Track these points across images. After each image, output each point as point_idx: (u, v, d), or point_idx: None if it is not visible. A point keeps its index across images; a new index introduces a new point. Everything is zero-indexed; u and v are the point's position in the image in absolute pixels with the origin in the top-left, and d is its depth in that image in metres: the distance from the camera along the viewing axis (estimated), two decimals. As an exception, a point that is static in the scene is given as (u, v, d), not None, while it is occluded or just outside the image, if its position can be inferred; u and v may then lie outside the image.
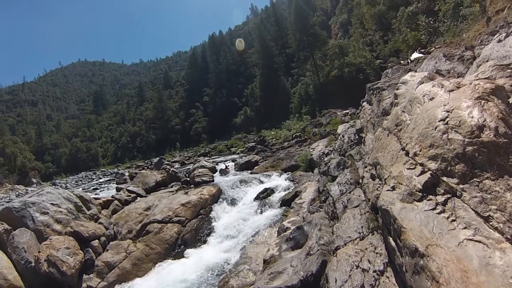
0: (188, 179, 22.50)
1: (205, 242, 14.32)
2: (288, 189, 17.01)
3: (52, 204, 14.39)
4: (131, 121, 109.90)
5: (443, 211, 4.02)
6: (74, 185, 48.38)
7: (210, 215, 16.08)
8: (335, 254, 6.28)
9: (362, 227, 6.39)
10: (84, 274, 12.48)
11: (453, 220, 3.82)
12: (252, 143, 37.93)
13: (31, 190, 44.72)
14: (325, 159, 14.95)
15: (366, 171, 7.36)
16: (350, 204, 7.74)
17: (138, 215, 15.88)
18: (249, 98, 78.66)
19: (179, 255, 13.53)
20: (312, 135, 28.74)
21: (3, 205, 19.48)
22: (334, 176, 11.12)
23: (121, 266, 12.90)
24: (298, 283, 6.26)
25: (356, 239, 6.20)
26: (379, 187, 6.00)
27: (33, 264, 11.90)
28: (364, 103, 11.86)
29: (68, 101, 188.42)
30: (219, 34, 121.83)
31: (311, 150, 20.00)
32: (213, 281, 11.13)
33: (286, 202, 15.08)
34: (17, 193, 46.42)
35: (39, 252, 12.25)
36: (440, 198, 4.18)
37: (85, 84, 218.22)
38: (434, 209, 4.13)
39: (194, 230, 15.02)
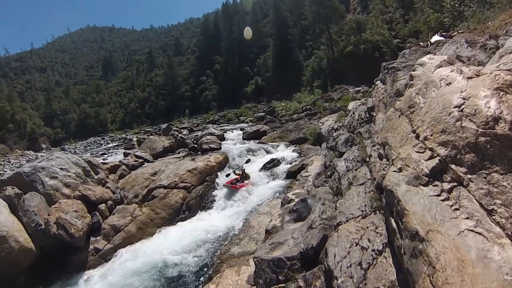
0: (196, 145, 22.66)
1: (209, 208, 14.67)
2: (295, 161, 17.04)
3: (61, 168, 14.66)
4: (141, 87, 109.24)
5: (447, 199, 3.95)
6: (83, 150, 49.09)
7: (216, 182, 16.31)
8: (336, 230, 6.33)
9: (365, 205, 6.39)
10: (91, 237, 12.94)
11: (456, 209, 3.75)
12: (262, 113, 37.84)
13: (40, 156, 45.60)
14: (334, 135, 14.84)
15: (374, 150, 7.29)
16: (355, 181, 7.71)
17: (144, 180, 16.14)
18: (261, 68, 77.14)
19: (183, 221, 13.87)
20: (322, 110, 28.46)
21: (13, 170, 19.85)
22: (341, 152, 11.07)
23: (126, 229, 13.31)
24: (298, 255, 6.36)
25: (358, 216, 6.23)
26: (385, 167, 5.94)
27: (43, 227, 12.27)
28: (378, 82, 11.61)
29: (77, 67, 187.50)
30: (233, 2, 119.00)
31: (320, 124, 19.84)
32: (215, 247, 11.42)
33: (292, 174, 15.14)
34: (27, 158, 47.54)
35: (48, 215, 12.65)
36: (446, 185, 4.09)
37: (94, 50, 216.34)
38: (439, 195, 4.06)
39: (199, 196, 15.31)
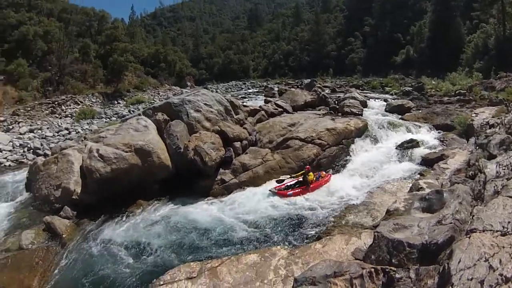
0: (337, 106, 22.38)
1: (338, 171, 14.80)
2: (435, 148, 15.72)
3: (205, 104, 16.30)
4: (286, 40, 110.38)
5: None
6: (224, 92, 53.60)
7: (351, 147, 16.23)
8: (468, 236, 5.79)
9: (509, 222, 5.71)
10: (221, 169, 14.46)
11: None
12: (409, 88, 34.76)
13: (185, 91, 52.12)
14: (487, 131, 13.03)
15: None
16: (505, 191, 6.80)
17: (281, 129, 16.91)
18: (414, 37, 68.86)
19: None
20: (478, 98, 24.76)
21: (162, 100, 22.45)
22: (492, 154, 9.77)
23: (255, 170, 14.45)
24: (419, 245, 6.05)
25: (497, 231, 5.54)
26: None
27: (181, 150, 14.21)
28: None
29: (224, 17, 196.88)
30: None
31: (473, 115, 17.53)
32: (332, 210, 11.63)
33: (428, 162, 14.13)
34: (174, 92, 54.20)
35: (188, 141, 14.47)
36: None
37: (240, 2, 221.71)
38: None
39: (331, 157, 15.52)
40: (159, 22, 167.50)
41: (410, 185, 11.39)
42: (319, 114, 19.82)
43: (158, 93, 51.84)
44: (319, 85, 35.56)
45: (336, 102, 24.32)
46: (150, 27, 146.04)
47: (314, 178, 13.38)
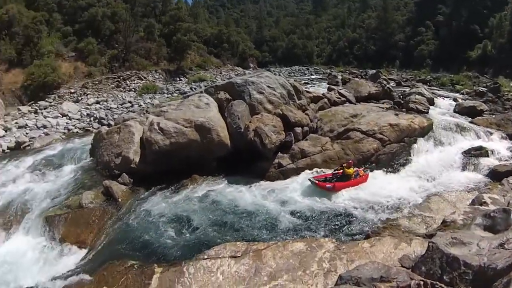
0: (402, 101, 21.12)
1: (396, 170, 14.01)
2: (506, 160, 14.33)
3: (268, 86, 16.11)
4: (351, 27, 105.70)
5: None
6: (287, 76, 53.13)
7: (412, 147, 15.27)
8: None
9: None
10: (279, 152, 14.35)
11: None
12: (483, 88, 31.75)
13: (248, 72, 53.41)
14: None
15: None
16: None
17: (343, 119, 16.43)
18: (493, 30, 61.11)
19: (366, 170, 13.61)
20: None
21: (224, 80, 22.64)
22: None
23: (313, 158, 14.21)
24: (476, 267, 5.48)
25: None
26: None
27: (242, 130, 14.29)
28: None
29: (288, 0, 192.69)
30: None
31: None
32: (384, 210, 11.13)
33: (496, 174, 12.89)
34: (236, 73, 55.26)
35: (249, 122, 14.52)
36: None
37: None
38: None
39: (391, 154, 14.78)
40: (222, 3, 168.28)
41: (472, 197, 10.46)
42: (383, 108, 18.94)
43: (220, 73, 53.03)
44: (384, 76, 33.84)
45: (401, 96, 22.93)
46: (213, 8, 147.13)
47: (354, 175, 12.70)
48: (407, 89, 26.33)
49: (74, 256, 10.53)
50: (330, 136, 15.46)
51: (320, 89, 26.88)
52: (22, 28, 34.32)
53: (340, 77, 34.20)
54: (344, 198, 11.95)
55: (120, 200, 12.75)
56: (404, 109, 19.57)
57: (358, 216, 10.86)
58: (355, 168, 12.91)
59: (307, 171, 13.72)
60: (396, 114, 17.08)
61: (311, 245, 7.87)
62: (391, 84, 30.52)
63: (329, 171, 13.37)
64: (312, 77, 52.74)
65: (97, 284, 8.21)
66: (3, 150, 21.15)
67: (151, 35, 47.04)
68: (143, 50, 45.05)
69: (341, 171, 12.80)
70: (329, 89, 22.18)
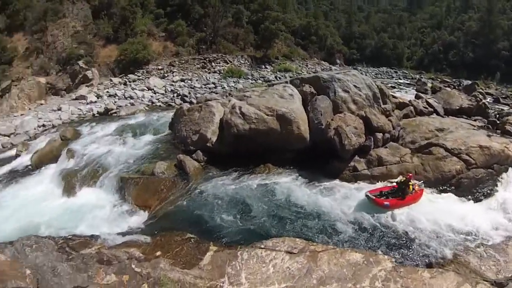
0: (498, 121, 19.04)
1: (476, 200, 12.29)
2: None
3: (354, 85, 15.61)
4: (448, 28, 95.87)
5: None
6: (373, 77, 50.81)
7: (502, 176, 13.30)
8: None
9: None
10: (356, 156, 13.88)
11: None
12: None
13: (334, 68, 52.70)
14: None
15: None
16: None
17: (427, 131, 15.23)
18: None
19: (446, 192, 12.52)
20: None
21: (309, 73, 22.25)
22: None
23: (389, 167, 13.44)
24: None
25: None
26: None
27: (323, 127, 14.10)
28: None
29: None
30: None
31: None
32: (456, 239, 10.10)
33: None
34: (322, 67, 54.01)
35: (331, 120, 14.27)
36: None
37: None
38: None
39: (475, 180, 13.03)
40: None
41: None
42: (474, 126, 17.08)
43: (306, 65, 52.52)
44: (480, 90, 30.48)
45: (497, 116, 20.84)
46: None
47: (413, 191, 11.61)
48: (506, 108, 23.78)
49: (138, 218, 11.66)
50: (411, 147, 14.47)
51: (407, 95, 25.59)
52: (120, 9, 39.11)
53: (429, 84, 32.38)
54: (410, 218, 11.03)
55: (190, 175, 13.57)
56: (498, 131, 17.44)
57: (422, 240, 10.02)
58: (414, 181, 11.87)
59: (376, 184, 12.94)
60: (489, 135, 15.06)
61: (368, 259, 7.62)
62: (488, 100, 27.59)
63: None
64: (400, 81, 49.56)
65: (153, 247, 8.78)
66: (93, 114, 24.23)
67: (239, 21, 48.55)
68: (231, 35, 46.72)
69: (396, 184, 11.84)
70: (417, 97, 20.99)
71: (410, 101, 18.59)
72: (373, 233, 10.37)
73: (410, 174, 12.01)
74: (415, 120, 16.48)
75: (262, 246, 7.99)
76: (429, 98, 19.94)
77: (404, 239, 10.13)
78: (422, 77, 52.74)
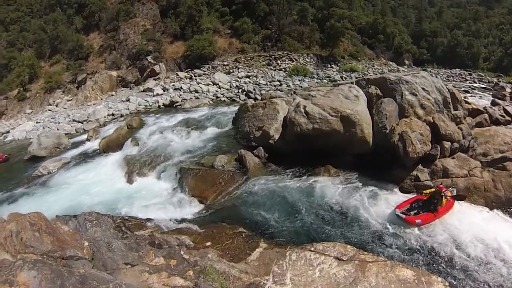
0: None
1: None
2: None
3: (423, 88, 14.71)
4: None
5: None
6: (445, 79, 47.80)
7: None
8: None
9: None
10: (420, 164, 13.04)
11: None
12: None
13: (402, 70, 51.01)
14: None
15: None
16: None
17: (503, 143, 13.63)
18: None
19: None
20: None
21: (376, 74, 21.39)
22: None
23: (455, 180, 12.37)
24: None
25: None
26: None
27: (387, 131, 13.59)
28: None
29: None
30: None
31: None
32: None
33: None
34: (389, 68, 52.40)
35: (396, 124, 13.62)
36: None
37: None
38: None
39: None
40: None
41: None
42: None
43: (373, 66, 51.27)
44: None
45: None
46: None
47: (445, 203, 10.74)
48: None
49: (193, 208, 12.17)
50: (482, 160, 13.13)
51: (482, 101, 23.72)
52: (186, 8, 41.39)
53: (509, 89, 29.66)
54: (474, 238, 10.02)
55: (250, 170, 13.90)
56: None
57: (488, 267, 9.09)
58: (445, 191, 11.04)
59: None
60: None
61: (420, 278, 7.09)
62: None
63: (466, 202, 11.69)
64: (474, 85, 45.11)
65: (203, 237, 9.13)
66: (159, 106, 25.80)
67: (304, 19, 48.59)
68: (296, 33, 46.95)
69: (426, 196, 11.15)
70: (493, 103, 19.39)
71: (485, 107, 17.00)
72: (427, 250, 9.72)
73: (441, 186, 11.30)
74: (489, 129, 14.96)
75: (312, 249, 7.91)
76: (507, 106, 18.30)
77: (465, 261, 9.33)
78: (500, 81, 48.22)
